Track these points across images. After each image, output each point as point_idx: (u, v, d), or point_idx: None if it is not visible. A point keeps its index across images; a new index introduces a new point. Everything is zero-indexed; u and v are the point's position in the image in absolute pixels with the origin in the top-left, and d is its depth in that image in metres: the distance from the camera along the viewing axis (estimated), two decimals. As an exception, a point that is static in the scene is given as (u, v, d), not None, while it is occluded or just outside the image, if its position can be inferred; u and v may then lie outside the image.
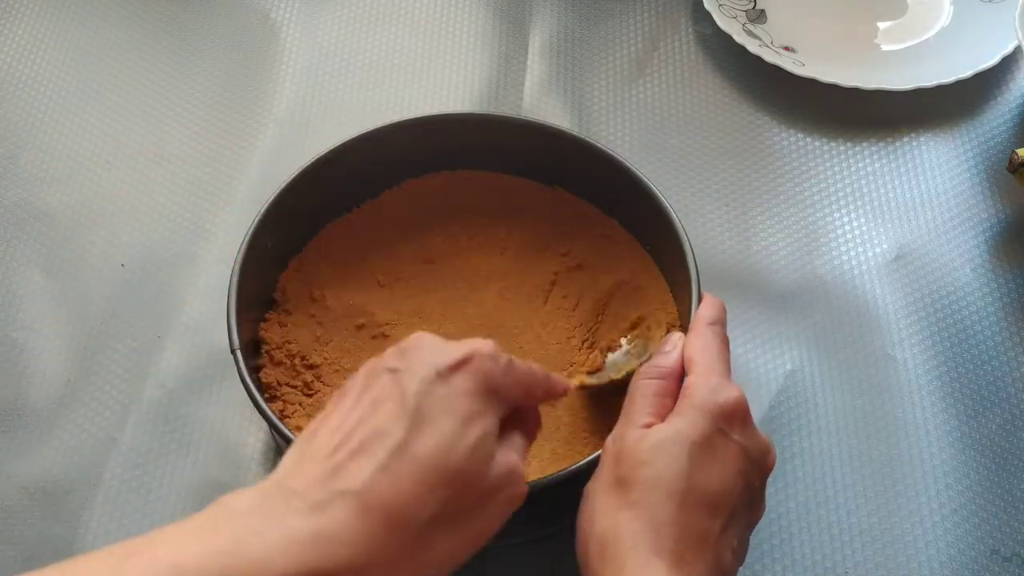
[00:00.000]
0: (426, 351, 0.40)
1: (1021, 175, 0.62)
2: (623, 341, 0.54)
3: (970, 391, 0.58)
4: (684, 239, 0.53)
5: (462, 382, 0.39)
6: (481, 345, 0.40)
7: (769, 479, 0.44)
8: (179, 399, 0.58)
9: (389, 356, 0.40)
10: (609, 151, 0.57)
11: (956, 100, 0.69)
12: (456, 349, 0.40)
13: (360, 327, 0.57)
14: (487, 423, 0.39)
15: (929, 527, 0.54)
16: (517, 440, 0.41)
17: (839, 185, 0.66)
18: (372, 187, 0.60)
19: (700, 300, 0.50)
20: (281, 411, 0.53)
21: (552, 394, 0.43)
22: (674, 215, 0.54)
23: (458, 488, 0.37)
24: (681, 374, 0.45)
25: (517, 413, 0.42)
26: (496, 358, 0.40)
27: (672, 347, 0.46)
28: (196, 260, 0.64)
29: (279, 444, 0.54)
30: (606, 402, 0.54)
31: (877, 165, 0.67)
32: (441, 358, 0.39)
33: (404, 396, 0.38)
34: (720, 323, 0.48)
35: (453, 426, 0.37)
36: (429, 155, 0.60)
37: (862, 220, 0.65)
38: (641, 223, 0.58)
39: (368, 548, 0.35)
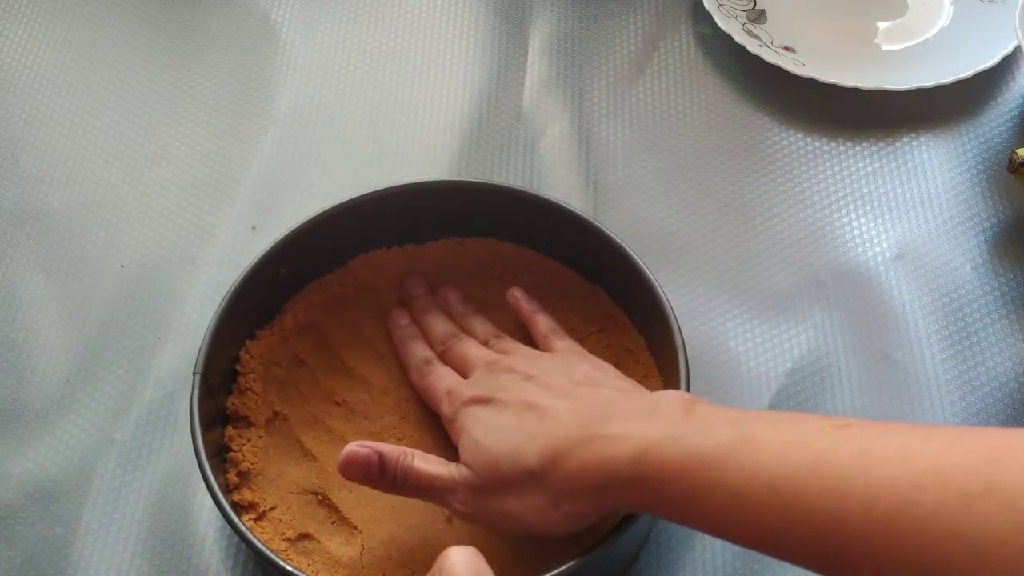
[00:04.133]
0: None
1: (1021, 175, 0.62)
2: None
3: (971, 389, 0.58)
4: (682, 355, 0.52)
5: None
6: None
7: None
8: (179, 400, 0.58)
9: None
10: (633, 257, 0.55)
11: (956, 100, 0.69)
12: None
13: (338, 403, 0.57)
14: None
15: (929, 527, 0.54)
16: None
17: (839, 185, 0.66)
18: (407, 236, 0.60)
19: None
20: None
21: None
22: (677, 332, 0.52)
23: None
24: None
25: None
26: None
27: None
28: (196, 261, 0.63)
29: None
30: None
31: (877, 165, 0.67)
32: None
33: None
34: None
35: None
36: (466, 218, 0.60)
37: (862, 220, 0.65)
38: (649, 331, 0.56)
39: None
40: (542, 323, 0.56)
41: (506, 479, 0.46)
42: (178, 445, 0.56)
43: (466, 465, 0.47)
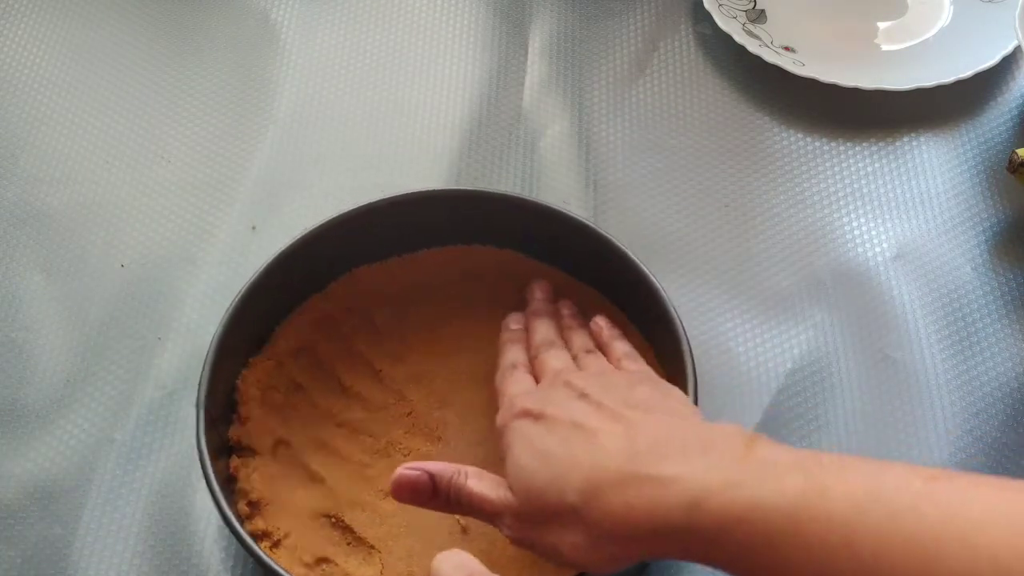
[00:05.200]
0: None
1: (1021, 175, 0.62)
2: None
3: (971, 390, 0.58)
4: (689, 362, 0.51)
5: None
6: None
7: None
8: (179, 400, 0.58)
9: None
10: (641, 265, 0.55)
11: (956, 100, 0.69)
12: None
13: (340, 424, 0.56)
14: None
15: (930, 527, 0.54)
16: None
17: (839, 185, 0.66)
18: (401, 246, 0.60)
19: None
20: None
21: None
22: (684, 341, 0.52)
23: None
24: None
25: None
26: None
27: None
28: (196, 261, 0.63)
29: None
30: None
31: (877, 165, 0.67)
32: None
33: None
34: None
35: None
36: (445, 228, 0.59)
37: (862, 220, 0.65)
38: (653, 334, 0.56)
39: None
40: (617, 348, 0.54)
41: (546, 509, 0.43)
42: (178, 445, 0.56)
43: (510, 489, 0.45)
